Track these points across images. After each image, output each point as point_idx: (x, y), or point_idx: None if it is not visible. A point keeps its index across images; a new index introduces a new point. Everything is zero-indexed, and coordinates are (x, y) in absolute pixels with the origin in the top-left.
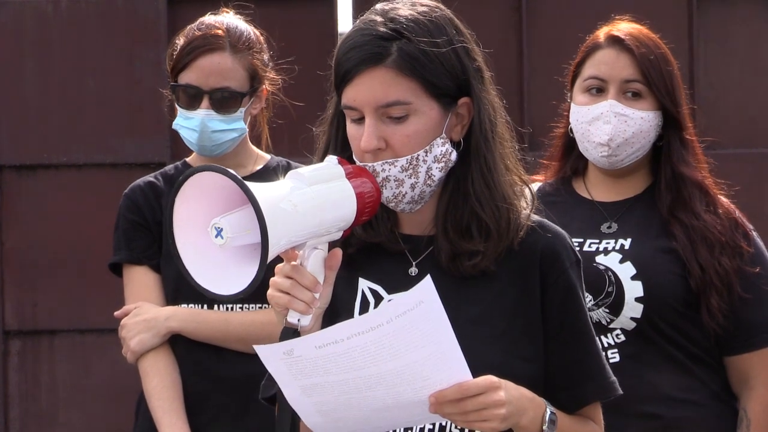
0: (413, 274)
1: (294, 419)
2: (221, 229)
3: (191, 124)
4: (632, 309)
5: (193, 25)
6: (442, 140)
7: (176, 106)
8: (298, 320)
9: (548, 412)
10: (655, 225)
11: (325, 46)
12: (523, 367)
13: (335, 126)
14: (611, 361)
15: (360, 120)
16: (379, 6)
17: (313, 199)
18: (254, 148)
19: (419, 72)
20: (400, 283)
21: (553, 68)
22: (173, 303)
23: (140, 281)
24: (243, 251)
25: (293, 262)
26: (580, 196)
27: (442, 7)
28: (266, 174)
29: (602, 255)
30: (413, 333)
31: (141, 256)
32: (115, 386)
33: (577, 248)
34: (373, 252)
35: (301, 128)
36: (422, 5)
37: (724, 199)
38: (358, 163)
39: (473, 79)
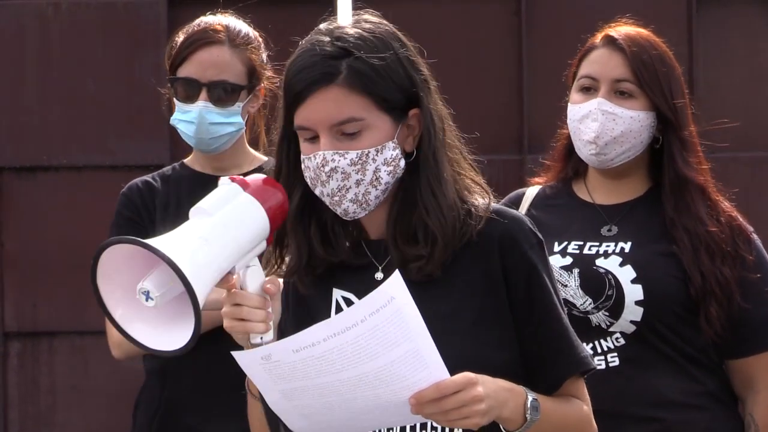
0: (379, 279)
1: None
2: (148, 292)
3: (189, 116)
4: (632, 312)
5: (192, 23)
6: (393, 144)
7: (174, 101)
8: (261, 338)
9: (529, 399)
10: (656, 228)
11: None
12: (498, 356)
13: (284, 148)
14: (611, 365)
15: (313, 139)
16: (323, 26)
17: (221, 226)
18: (251, 150)
19: (370, 88)
20: (369, 288)
21: (553, 72)
22: None
23: None
24: (177, 301)
25: (234, 290)
26: (580, 199)
27: (386, 22)
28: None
29: (602, 258)
30: (388, 330)
31: None
32: (114, 388)
33: (577, 251)
34: (340, 263)
35: None
36: (366, 22)
37: (726, 204)
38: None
39: (421, 91)
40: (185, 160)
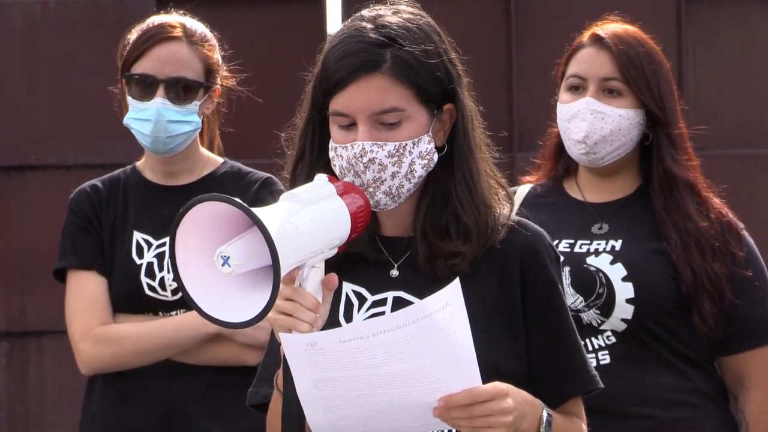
0: (394, 276)
1: (300, 418)
2: (227, 258)
3: (145, 114)
4: (623, 310)
5: (144, 22)
6: (428, 137)
7: (128, 100)
8: None
9: (545, 414)
10: (646, 226)
11: (314, 48)
12: (507, 364)
13: (310, 132)
14: (601, 362)
15: (349, 126)
16: (364, 12)
17: (312, 220)
18: (205, 151)
19: (413, 78)
20: (382, 284)
21: (542, 70)
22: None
23: (85, 285)
24: (247, 277)
25: (294, 285)
26: (571, 197)
27: (424, 13)
28: (212, 181)
29: (593, 256)
30: (436, 334)
31: (89, 261)
32: None
33: (568, 249)
34: (355, 257)
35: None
36: (406, 12)
37: (716, 201)
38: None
39: (458, 86)
40: (137, 164)
